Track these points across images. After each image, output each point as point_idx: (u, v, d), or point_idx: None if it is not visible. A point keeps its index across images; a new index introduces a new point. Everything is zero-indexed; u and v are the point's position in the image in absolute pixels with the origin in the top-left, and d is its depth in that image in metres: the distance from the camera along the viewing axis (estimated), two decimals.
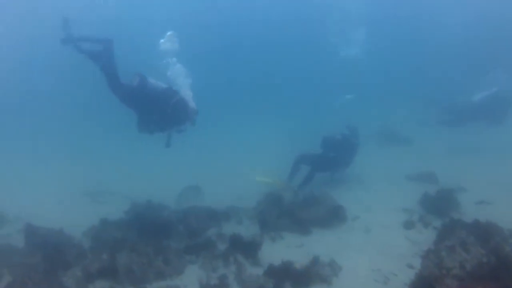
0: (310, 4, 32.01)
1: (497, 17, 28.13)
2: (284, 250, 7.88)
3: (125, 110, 9.31)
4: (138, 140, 10.54)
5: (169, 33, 9.99)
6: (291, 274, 6.47)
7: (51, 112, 29.53)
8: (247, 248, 7.57)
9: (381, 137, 16.89)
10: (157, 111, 9.16)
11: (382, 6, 30.78)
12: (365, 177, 12.42)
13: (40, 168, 17.23)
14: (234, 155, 17.48)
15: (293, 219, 8.94)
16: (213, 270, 7.19)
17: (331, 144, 11.85)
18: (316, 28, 30.19)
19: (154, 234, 8.61)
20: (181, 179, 13.41)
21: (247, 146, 18.90)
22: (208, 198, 11.82)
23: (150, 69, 9.43)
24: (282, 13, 35.08)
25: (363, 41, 25.08)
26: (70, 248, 8.31)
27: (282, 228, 8.78)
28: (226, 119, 24.23)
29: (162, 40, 9.97)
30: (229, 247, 7.76)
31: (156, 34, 9.98)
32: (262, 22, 35.90)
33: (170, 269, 7.23)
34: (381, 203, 9.92)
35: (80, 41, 8.73)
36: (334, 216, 9.05)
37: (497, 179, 10.61)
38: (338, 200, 9.71)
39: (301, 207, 9.42)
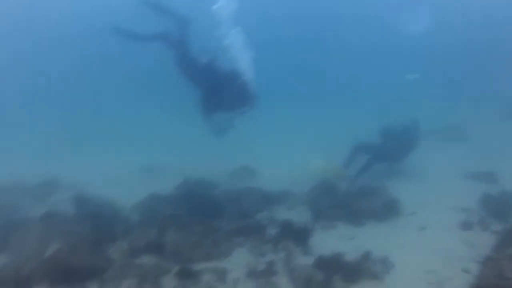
0: None
1: None
2: (336, 241, 7.71)
3: (188, 88, 9.30)
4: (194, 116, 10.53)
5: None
6: (342, 267, 6.30)
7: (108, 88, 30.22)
8: (298, 235, 7.46)
9: (443, 131, 16.23)
10: (224, 90, 9.08)
11: None
12: (423, 172, 11.95)
13: (97, 140, 17.69)
14: (289, 139, 17.29)
15: (347, 210, 8.74)
16: (262, 255, 7.10)
17: (391, 134, 11.52)
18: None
19: (204, 213, 8.58)
20: (235, 158, 13.43)
21: (304, 132, 18.59)
22: (261, 180, 11.79)
23: (207, 40, 9.32)
24: None
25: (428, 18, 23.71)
26: (119, 221, 8.47)
27: (335, 218, 8.61)
28: (282, 104, 23.83)
29: (215, 6, 9.43)
30: (279, 233, 7.65)
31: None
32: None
33: (218, 251, 7.19)
34: (438, 200, 9.48)
35: (160, 10, 8.73)
36: (389, 210, 8.78)
37: None
38: (394, 193, 9.45)
39: (355, 197, 9.21)
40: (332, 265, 6.33)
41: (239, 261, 6.97)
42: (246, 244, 7.58)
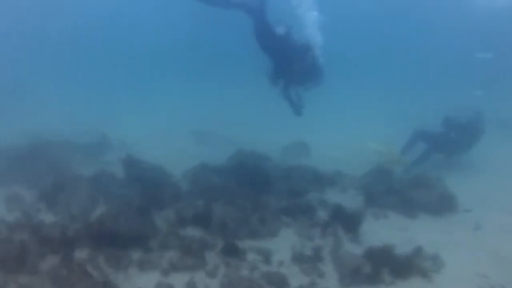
0: None
1: None
2: (386, 231, 7.49)
3: (261, 58, 9.29)
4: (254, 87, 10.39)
5: None
6: (391, 260, 6.09)
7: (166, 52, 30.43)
8: (348, 222, 7.25)
9: (508, 128, 15.28)
10: (297, 62, 9.02)
11: None
12: (483, 167, 11.44)
13: (150, 103, 17.87)
14: (348, 120, 16.92)
15: (400, 199, 8.46)
16: (309, 239, 6.96)
17: (455, 125, 11.08)
18: None
19: (254, 187, 8.51)
20: (290, 132, 13.26)
21: (364, 115, 18.04)
22: (314, 158, 11.62)
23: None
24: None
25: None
26: (168, 188, 8.40)
27: (387, 206, 8.37)
28: (346, 85, 23.02)
29: None
30: (329, 217, 7.47)
31: None
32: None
33: (264, 230, 7.08)
34: (497, 199, 9.07)
35: None
36: (444, 204, 8.46)
37: None
38: (450, 187, 9.02)
39: (410, 186, 8.89)
40: (381, 257, 6.10)
41: (285, 242, 6.85)
42: (294, 225, 7.46)
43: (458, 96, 17.54)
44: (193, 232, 6.93)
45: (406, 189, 8.77)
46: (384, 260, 6.08)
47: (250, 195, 8.11)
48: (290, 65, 9.07)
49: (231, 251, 6.26)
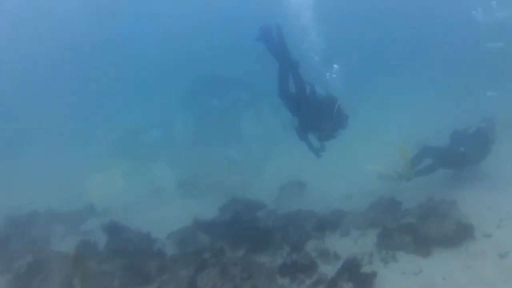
0: None
1: None
2: (399, 278, 6.55)
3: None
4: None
5: None
6: None
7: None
8: (355, 275, 6.37)
9: None
10: (323, 119, 8.72)
11: None
12: (497, 180, 10.11)
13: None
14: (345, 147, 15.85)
15: (411, 235, 7.48)
16: None
17: (463, 138, 10.26)
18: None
19: (247, 245, 7.78)
20: (284, 171, 12.41)
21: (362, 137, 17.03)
22: (312, 197, 10.72)
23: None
24: None
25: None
26: (152, 257, 7.68)
27: (396, 246, 7.41)
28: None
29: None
30: (334, 273, 6.57)
31: None
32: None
33: None
34: None
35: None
36: (460, 233, 7.41)
37: None
38: (464, 209, 8.04)
39: (420, 217, 7.88)
40: None
41: None
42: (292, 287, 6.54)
43: (469, 98, 16.58)
44: None
45: (416, 222, 7.76)
46: None
47: (242, 257, 7.35)
48: (318, 121, 8.75)
49: None
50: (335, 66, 9.53)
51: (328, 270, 6.80)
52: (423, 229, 7.55)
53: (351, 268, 6.52)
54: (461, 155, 10.10)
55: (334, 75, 9.76)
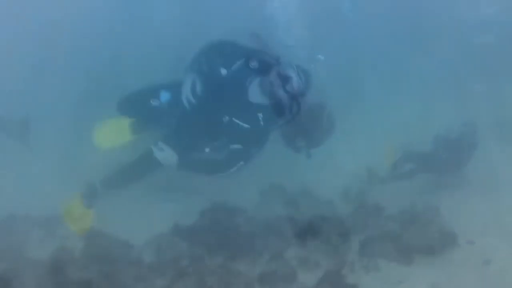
0: None
1: None
2: (382, 287, 6.41)
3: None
4: None
5: None
6: None
7: None
8: (339, 286, 6.22)
9: (505, 131, 13.36)
10: (312, 127, 8.54)
11: None
12: (480, 186, 9.95)
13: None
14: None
15: (393, 243, 7.32)
16: None
17: (445, 143, 10.23)
18: None
19: (225, 252, 7.57)
20: (265, 173, 12.15)
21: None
22: (293, 201, 10.49)
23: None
24: None
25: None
26: (128, 265, 7.42)
27: (378, 254, 7.21)
28: None
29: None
30: (317, 282, 6.39)
31: None
32: None
33: None
34: (504, 222, 7.91)
35: None
36: (443, 240, 7.30)
37: None
38: (447, 216, 8.02)
39: (402, 225, 7.80)
40: None
41: None
42: None
43: (457, 93, 16.30)
44: None
45: (398, 229, 7.69)
46: None
47: (221, 265, 7.16)
48: (306, 129, 8.44)
49: None
50: (320, 57, 9.18)
51: (308, 278, 6.60)
52: (406, 236, 7.43)
53: (332, 277, 6.37)
54: (443, 160, 10.06)
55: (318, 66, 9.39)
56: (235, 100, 6.49)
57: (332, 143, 12.47)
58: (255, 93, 6.96)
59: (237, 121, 6.46)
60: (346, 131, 15.26)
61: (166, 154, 6.36)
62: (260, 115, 6.37)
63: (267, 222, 8.75)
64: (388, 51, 26.43)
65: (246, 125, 6.19)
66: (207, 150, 6.98)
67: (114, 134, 9.37)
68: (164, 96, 6.81)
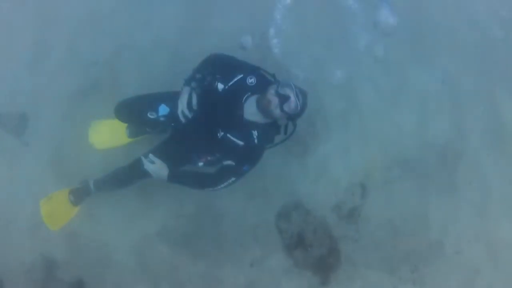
0: None
1: None
2: None
3: None
4: None
5: None
6: None
7: None
8: None
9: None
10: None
11: None
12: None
13: None
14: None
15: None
16: None
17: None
18: None
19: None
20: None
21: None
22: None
23: None
24: None
25: None
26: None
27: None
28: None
29: None
30: None
31: None
32: None
33: None
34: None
35: None
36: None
37: None
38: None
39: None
40: None
41: None
42: None
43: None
44: None
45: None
46: None
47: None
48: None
49: None
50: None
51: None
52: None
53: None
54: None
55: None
56: (230, 116, 6.40)
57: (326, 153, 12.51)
58: (251, 110, 6.88)
59: (231, 137, 6.36)
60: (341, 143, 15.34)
61: (156, 167, 6.22)
62: (255, 132, 6.26)
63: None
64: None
65: (240, 142, 6.07)
66: (200, 164, 6.89)
67: (109, 136, 9.38)
68: (163, 110, 6.75)
